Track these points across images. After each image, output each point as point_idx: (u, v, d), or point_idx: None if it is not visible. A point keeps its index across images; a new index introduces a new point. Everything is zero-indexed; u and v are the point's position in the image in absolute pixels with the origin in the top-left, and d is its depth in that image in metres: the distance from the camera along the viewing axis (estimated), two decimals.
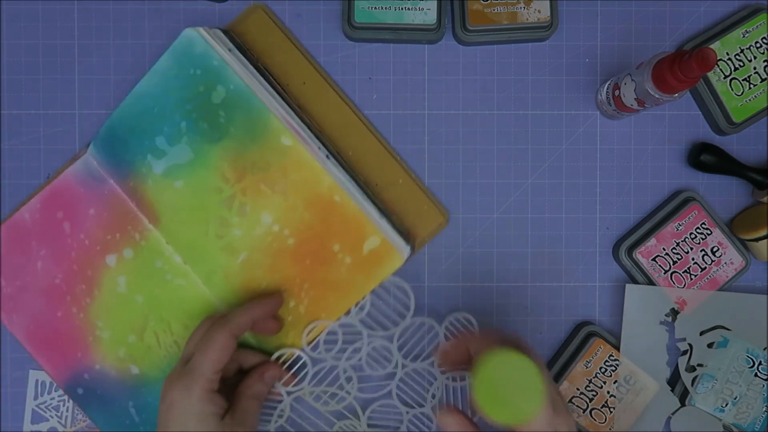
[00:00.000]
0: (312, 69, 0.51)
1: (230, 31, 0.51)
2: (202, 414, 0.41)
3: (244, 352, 0.48)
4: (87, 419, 0.52)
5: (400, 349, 0.51)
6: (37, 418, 0.52)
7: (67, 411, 0.52)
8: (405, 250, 0.48)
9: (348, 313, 0.50)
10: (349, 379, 0.51)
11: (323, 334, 0.50)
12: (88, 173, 0.50)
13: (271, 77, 0.50)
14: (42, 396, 0.52)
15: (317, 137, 0.49)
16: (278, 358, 0.49)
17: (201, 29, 0.47)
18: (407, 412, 0.51)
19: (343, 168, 0.49)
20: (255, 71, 0.48)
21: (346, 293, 0.49)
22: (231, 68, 0.47)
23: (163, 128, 0.48)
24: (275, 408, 0.50)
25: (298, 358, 0.49)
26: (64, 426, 0.52)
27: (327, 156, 0.48)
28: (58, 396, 0.52)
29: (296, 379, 0.50)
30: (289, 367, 0.50)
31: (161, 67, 0.48)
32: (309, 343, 0.50)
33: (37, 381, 0.52)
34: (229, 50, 0.48)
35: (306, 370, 0.50)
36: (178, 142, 0.48)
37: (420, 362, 0.51)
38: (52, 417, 0.52)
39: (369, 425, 0.51)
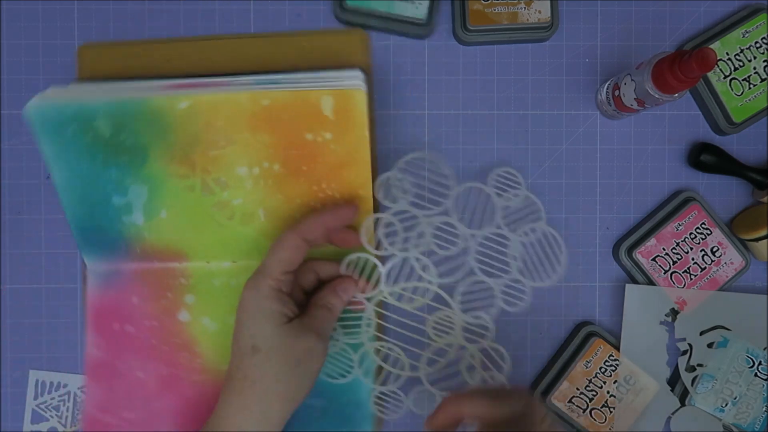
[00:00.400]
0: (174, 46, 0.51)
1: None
2: (270, 311, 0.42)
3: (321, 263, 0.47)
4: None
5: (461, 221, 0.48)
6: (37, 418, 0.52)
7: (67, 411, 0.52)
8: (356, 77, 0.45)
9: (392, 198, 0.48)
10: (425, 268, 0.48)
11: (381, 228, 0.48)
12: (103, 277, 0.51)
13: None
14: (42, 396, 0.52)
15: (206, 75, 0.48)
16: (348, 267, 0.47)
17: (34, 99, 0.45)
18: (495, 284, 0.49)
19: (248, 75, 0.47)
20: (110, 82, 0.47)
21: (355, 161, 0.46)
22: (87, 100, 0.45)
23: (107, 190, 0.48)
24: (361, 319, 0.49)
25: (368, 261, 0.47)
26: (64, 426, 0.52)
27: (228, 82, 0.46)
28: (59, 396, 0.52)
29: (371, 284, 0.48)
30: (364, 275, 0.48)
31: (51, 153, 0.47)
32: (372, 243, 0.48)
33: (37, 381, 0.52)
34: (71, 85, 0.47)
35: (378, 271, 0.48)
36: (127, 187, 0.48)
37: (488, 228, 0.49)
38: (52, 417, 0.52)
39: (463, 310, 0.49)
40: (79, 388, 0.52)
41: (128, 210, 0.48)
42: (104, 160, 0.46)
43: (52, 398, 0.52)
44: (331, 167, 0.47)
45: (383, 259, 0.48)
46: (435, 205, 0.49)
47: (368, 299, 0.49)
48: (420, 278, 0.49)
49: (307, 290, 0.47)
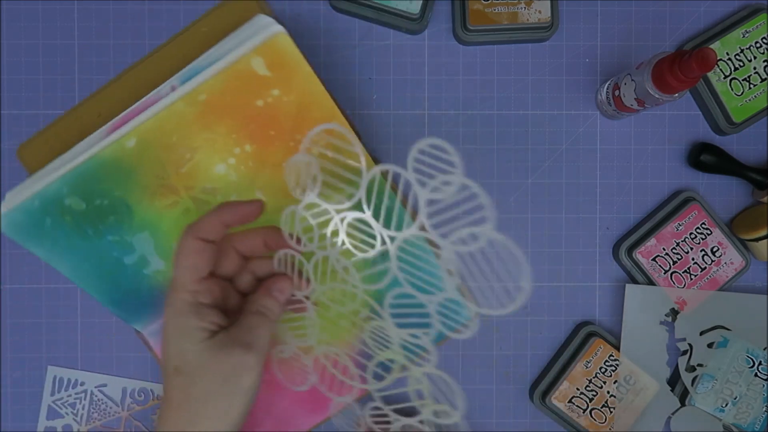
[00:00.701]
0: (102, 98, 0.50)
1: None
2: (187, 328, 0.38)
3: (257, 261, 0.43)
4: (102, 418, 0.52)
5: (377, 218, 0.36)
6: (52, 415, 0.52)
7: (83, 409, 0.52)
8: (268, 24, 0.42)
9: (302, 188, 0.40)
10: (345, 270, 0.40)
11: (297, 223, 0.40)
12: (160, 333, 0.50)
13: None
14: (59, 392, 0.52)
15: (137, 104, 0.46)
16: (279, 264, 0.42)
17: (3, 211, 0.43)
18: (430, 302, 0.37)
19: (168, 81, 0.46)
20: (54, 161, 0.45)
21: (313, 99, 0.43)
22: (45, 187, 0.42)
23: (114, 255, 0.46)
24: (304, 319, 0.44)
25: (297, 257, 0.41)
26: (79, 424, 0.52)
27: (155, 96, 0.44)
28: (75, 393, 0.52)
29: (304, 281, 0.42)
30: (296, 272, 0.42)
31: (44, 254, 0.44)
32: (292, 236, 0.41)
33: (54, 377, 0.52)
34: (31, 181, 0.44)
35: (306, 268, 0.41)
36: (130, 243, 0.46)
37: (409, 229, 0.35)
38: (67, 414, 0.52)
39: (398, 325, 0.39)
40: (96, 387, 0.53)
41: (144, 262, 0.47)
42: (94, 232, 0.45)
43: (69, 395, 0.52)
44: (295, 118, 0.45)
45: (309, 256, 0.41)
46: (347, 197, 0.37)
47: (307, 297, 0.43)
48: (345, 281, 0.40)
49: (246, 292, 0.43)
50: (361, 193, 0.36)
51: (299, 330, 0.45)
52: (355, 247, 0.38)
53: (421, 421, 0.41)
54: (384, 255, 0.37)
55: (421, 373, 0.41)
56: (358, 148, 0.36)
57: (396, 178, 0.41)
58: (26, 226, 0.43)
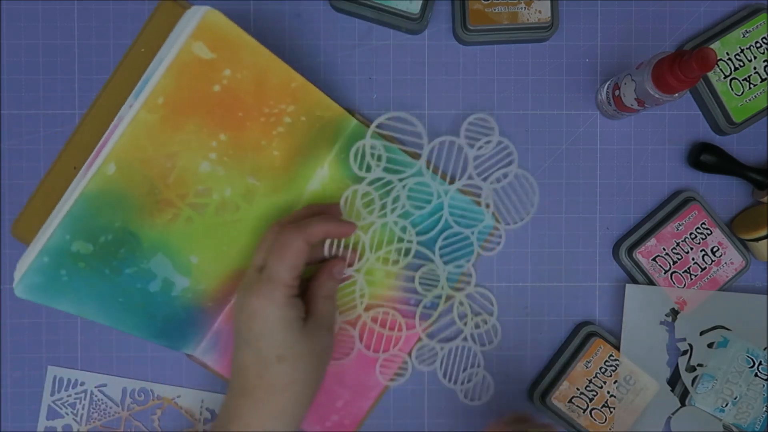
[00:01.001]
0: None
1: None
2: (289, 319, 0.42)
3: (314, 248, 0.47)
4: (102, 418, 0.52)
5: (433, 178, 0.51)
6: (52, 415, 0.52)
7: (83, 409, 0.52)
8: (197, 10, 0.40)
9: (366, 167, 0.50)
10: (404, 229, 0.51)
11: (358, 199, 0.50)
12: (210, 350, 0.52)
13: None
14: (59, 392, 0.52)
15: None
16: (330, 245, 0.48)
17: (15, 283, 0.41)
18: (472, 233, 0.52)
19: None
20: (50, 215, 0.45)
21: (265, 65, 0.43)
22: (49, 240, 0.41)
23: (138, 287, 0.45)
24: (353, 292, 0.51)
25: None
26: (79, 424, 0.52)
27: (117, 119, 0.44)
28: (75, 393, 0.52)
29: (358, 255, 0.50)
30: (349, 249, 0.49)
31: (70, 307, 0.43)
32: (351, 215, 0.50)
33: (54, 377, 0.52)
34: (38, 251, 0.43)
35: (362, 241, 0.50)
36: (148, 270, 0.45)
37: (461, 181, 0.51)
38: (67, 414, 0.52)
39: (445, 262, 0.52)
40: (96, 387, 0.53)
41: (168, 285, 0.47)
42: (111, 269, 0.44)
43: (69, 395, 0.52)
44: (255, 90, 0.43)
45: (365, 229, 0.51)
46: (409, 167, 0.51)
47: (357, 271, 0.51)
48: (401, 239, 0.51)
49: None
50: (422, 161, 0.51)
51: (346, 305, 0.52)
52: (414, 206, 0.51)
53: (464, 339, 0.52)
54: (437, 207, 0.52)
55: (463, 296, 0.52)
56: (419, 126, 0.51)
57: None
58: (44, 286, 0.41)
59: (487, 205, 0.52)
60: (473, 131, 0.51)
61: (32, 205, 0.51)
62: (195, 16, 0.39)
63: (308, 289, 0.47)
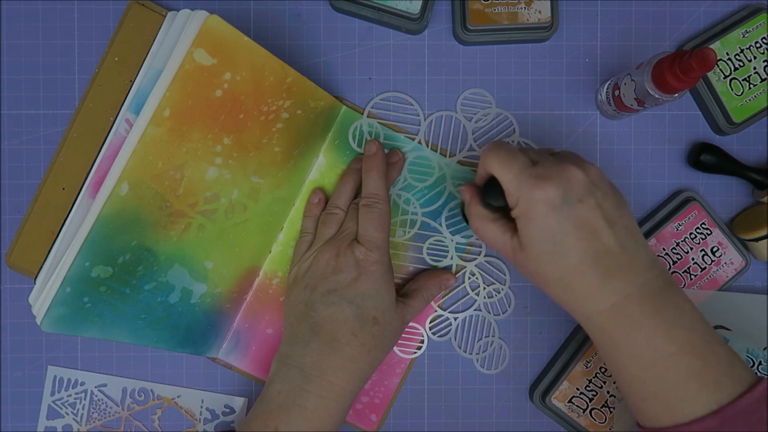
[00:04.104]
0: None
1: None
2: (390, 286, 0.47)
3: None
4: (102, 418, 0.52)
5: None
6: (52, 415, 0.52)
7: (83, 409, 0.52)
8: (196, 17, 0.40)
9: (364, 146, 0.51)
10: (407, 201, 0.52)
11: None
12: (233, 351, 0.53)
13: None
14: (59, 392, 0.52)
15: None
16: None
17: (39, 319, 0.41)
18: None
19: (123, 111, 0.45)
20: (58, 240, 0.45)
21: (263, 64, 0.43)
22: (69, 269, 0.40)
23: (158, 300, 0.46)
24: None
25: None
26: (79, 424, 0.52)
27: (124, 133, 0.43)
28: (75, 393, 0.52)
29: None
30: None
31: (97, 333, 0.44)
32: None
33: (54, 377, 0.52)
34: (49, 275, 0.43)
35: None
36: (166, 282, 0.45)
37: (461, 153, 0.52)
38: (67, 414, 0.52)
39: (452, 233, 0.53)
40: (96, 387, 0.53)
41: (187, 294, 0.47)
42: (132, 289, 0.44)
43: (69, 395, 0.52)
44: (254, 90, 0.44)
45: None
46: (407, 143, 0.52)
47: None
48: (405, 211, 0.53)
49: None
50: (421, 136, 0.52)
51: None
52: (416, 180, 0.52)
53: (478, 308, 0.53)
54: (439, 180, 0.52)
55: (474, 266, 0.53)
56: (415, 104, 0.53)
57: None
58: (70, 317, 0.41)
59: None
60: (469, 105, 0.53)
61: (26, 231, 0.51)
62: (194, 22, 0.39)
63: (414, 281, 0.51)
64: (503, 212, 0.43)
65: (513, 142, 0.53)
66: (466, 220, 0.50)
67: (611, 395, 0.52)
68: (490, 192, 0.43)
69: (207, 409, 0.53)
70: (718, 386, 0.38)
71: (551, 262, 0.39)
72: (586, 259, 0.38)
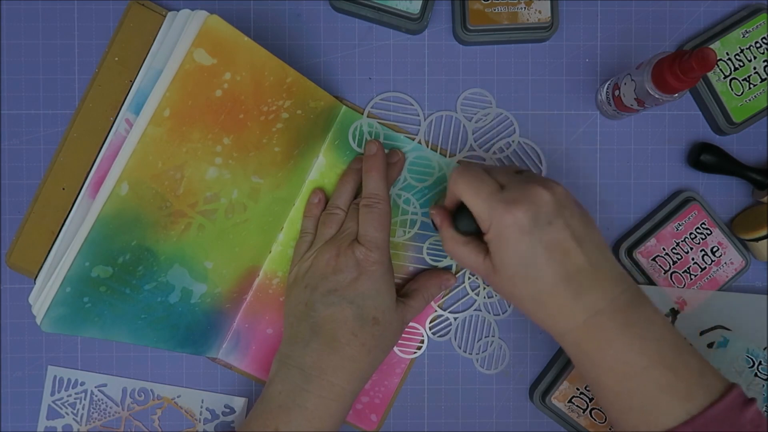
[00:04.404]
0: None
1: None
2: (390, 287, 0.47)
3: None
4: (102, 418, 0.52)
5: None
6: (52, 415, 0.52)
7: (83, 409, 0.52)
8: (197, 17, 0.40)
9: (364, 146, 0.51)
10: (407, 202, 0.52)
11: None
12: (233, 351, 0.53)
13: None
14: (59, 392, 0.52)
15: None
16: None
17: (39, 319, 0.41)
18: None
19: (122, 111, 0.45)
20: (58, 241, 0.45)
21: (262, 64, 0.43)
22: (69, 269, 0.40)
23: (158, 300, 0.46)
24: None
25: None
26: (79, 424, 0.52)
27: (124, 133, 0.43)
28: (75, 393, 0.52)
29: None
30: None
31: (97, 332, 0.43)
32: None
33: (54, 377, 0.52)
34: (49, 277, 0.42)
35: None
36: (166, 282, 0.45)
37: (462, 152, 0.52)
38: (67, 414, 0.52)
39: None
40: (96, 387, 0.53)
41: (188, 293, 0.47)
42: (132, 289, 0.44)
43: (69, 395, 0.52)
44: (254, 90, 0.44)
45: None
46: (407, 143, 0.52)
47: None
48: (405, 211, 0.52)
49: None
50: (421, 136, 0.52)
51: None
52: (416, 180, 0.52)
53: (477, 308, 0.53)
54: (439, 180, 0.52)
55: None
56: (414, 104, 0.53)
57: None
58: (70, 317, 0.41)
59: None
60: (469, 105, 0.53)
61: (26, 231, 0.51)
62: (194, 22, 0.39)
63: (414, 281, 0.51)
64: (475, 234, 0.44)
65: (513, 142, 0.53)
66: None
67: None
68: (461, 217, 0.44)
69: (207, 409, 0.53)
70: (690, 396, 0.38)
71: (525, 284, 0.40)
72: (558, 279, 0.39)
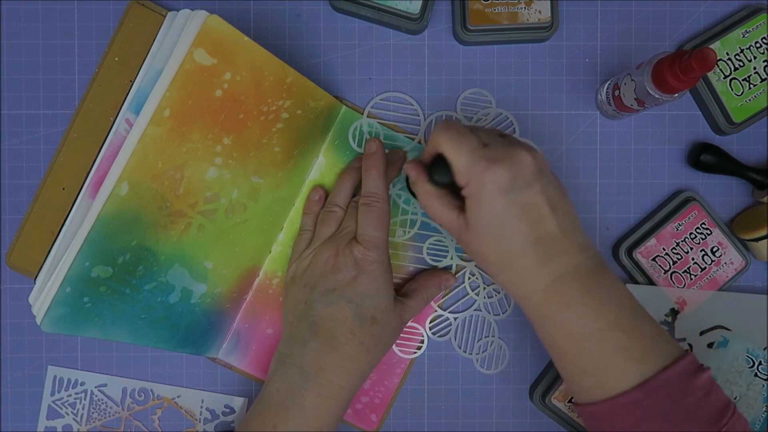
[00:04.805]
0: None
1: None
2: (388, 286, 0.46)
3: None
4: (102, 418, 0.52)
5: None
6: (52, 415, 0.52)
7: (83, 409, 0.52)
8: (197, 17, 0.40)
9: (364, 146, 0.51)
10: (407, 201, 0.52)
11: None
12: (233, 351, 0.53)
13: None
14: (59, 392, 0.52)
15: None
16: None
17: (39, 319, 0.41)
18: None
19: (123, 111, 0.45)
20: (59, 240, 0.45)
21: (262, 64, 0.43)
22: (69, 268, 0.40)
23: (158, 300, 0.46)
24: None
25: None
26: (79, 424, 0.52)
27: (123, 133, 0.43)
28: (75, 393, 0.52)
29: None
30: None
31: (97, 332, 0.43)
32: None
33: (54, 377, 0.52)
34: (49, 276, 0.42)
35: None
36: (166, 282, 0.45)
37: None
38: (67, 414, 0.52)
39: None
40: (96, 387, 0.53)
41: (188, 293, 0.47)
42: (132, 289, 0.44)
43: (69, 395, 0.52)
44: (254, 90, 0.43)
45: None
46: (407, 143, 0.52)
47: None
48: (405, 211, 0.52)
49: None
50: (421, 136, 0.52)
51: None
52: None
53: (477, 308, 0.53)
54: None
55: (473, 266, 0.53)
56: (414, 104, 0.53)
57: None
58: (70, 317, 0.41)
59: None
60: (469, 105, 0.53)
61: (26, 231, 0.51)
62: (194, 22, 0.39)
63: (413, 281, 0.51)
64: (450, 189, 0.43)
65: None
66: (413, 194, 0.50)
67: None
68: (438, 169, 0.43)
69: (207, 409, 0.53)
70: (643, 360, 0.39)
71: (494, 243, 0.41)
72: (528, 242, 0.40)
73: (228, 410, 0.53)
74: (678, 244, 0.52)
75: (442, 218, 0.43)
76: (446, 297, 0.53)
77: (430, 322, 0.53)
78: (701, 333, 0.52)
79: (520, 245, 0.40)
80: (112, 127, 0.48)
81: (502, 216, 0.39)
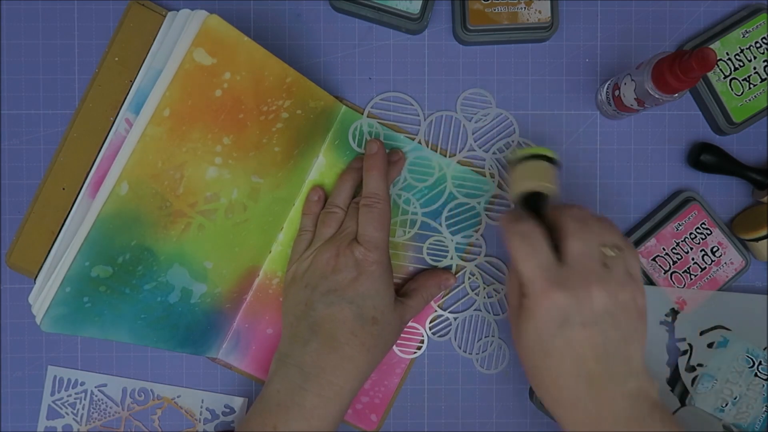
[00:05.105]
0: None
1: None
2: (389, 286, 0.47)
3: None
4: (102, 418, 0.52)
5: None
6: (52, 415, 0.52)
7: (83, 409, 0.52)
8: (197, 16, 0.40)
9: (364, 146, 0.52)
10: (408, 201, 0.52)
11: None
12: (233, 351, 0.53)
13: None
14: (59, 392, 0.52)
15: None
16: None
17: (39, 319, 0.41)
18: (478, 203, 0.53)
19: (122, 111, 0.45)
20: (58, 242, 0.44)
21: (262, 64, 0.43)
22: (69, 268, 0.40)
23: (158, 300, 0.46)
24: None
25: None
26: (79, 424, 0.52)
27: (123, 133, 0.43)
28: (75, 393, 0.52)
29: None
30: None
31: (97, 332, 0.43)
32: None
33: (54, 377, 0.52)
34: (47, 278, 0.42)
35: None
36: (165, 282, 0.45)
37: (462, 152, 0.52)
38: (67, 414, 0.52)
39: (452, 233, 0.53)
40: (96, 387, 0.53)
41: (187, 293, 0.47)
42: (131, 289, 0.44)
43: (69, 395, 0.52)
44: (254, 90, 0.43)
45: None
46: (407, 143, 0.52)
47: None
48: (405, 211, 0.53)
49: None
50: (421, 136, 0.53)
51: None
52: (416, 179, 0.52)
53: (477, 308, 0.53)
54: (439, 180, 0.52)
55: (474, 266, 0.53)
56: (414, 104, 0.53)
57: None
58: (70, 316, 0.41)
59: (492, 175, 0.52)
60: (469, 105, 0.53)
61: (26, 231, 0.51)
62: (194, 22, 0.39)
63: (413, 281, 0.51)
64: (538, 212, 0.43)
65: (513, 142, 0.53)
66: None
67: None
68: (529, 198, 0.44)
69: (207, 409, 0.53)
70: None
71: (533, 361, 0.40)
72: (568, 376, 0.39)
73: (228, 410, 0.53)
74: (678, 244, 0.52)
75: (508, 288, 0.43)
76: (446, 297, 0.53)
77: (430, 322, 0.53)
78: (701, 333, 0.52)
79: (557, 377, 0.39)
80: (112, 127, 0.48)
81: (546, 343, 0.39)
